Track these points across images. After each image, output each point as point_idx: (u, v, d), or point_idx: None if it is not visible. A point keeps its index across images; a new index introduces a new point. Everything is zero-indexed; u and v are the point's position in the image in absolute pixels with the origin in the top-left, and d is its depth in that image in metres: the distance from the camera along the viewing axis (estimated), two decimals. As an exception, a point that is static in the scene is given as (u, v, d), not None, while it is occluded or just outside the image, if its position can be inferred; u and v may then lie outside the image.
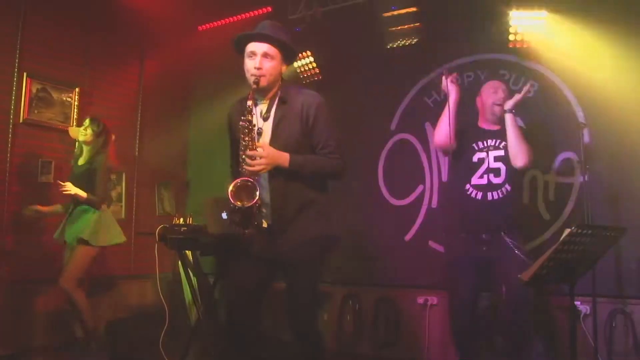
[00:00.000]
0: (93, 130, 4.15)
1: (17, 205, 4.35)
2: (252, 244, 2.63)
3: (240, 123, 2.51)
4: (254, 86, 2.54)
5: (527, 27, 4.03)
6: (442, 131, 3.38)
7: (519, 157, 3.25)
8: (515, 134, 3.28)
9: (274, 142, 2.57)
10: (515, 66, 4.26)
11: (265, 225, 2.59)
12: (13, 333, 4.33)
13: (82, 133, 4.16)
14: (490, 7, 4.22)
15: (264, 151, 2.48)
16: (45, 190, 4.52)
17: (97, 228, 4.05)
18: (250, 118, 2.52)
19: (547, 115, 4.09)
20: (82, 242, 4.00)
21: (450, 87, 3.39)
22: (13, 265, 4.38)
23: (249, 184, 2.46)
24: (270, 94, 2.64)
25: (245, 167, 2.48)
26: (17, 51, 4.50)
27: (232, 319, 2.69)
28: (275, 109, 2.62)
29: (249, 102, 2.53)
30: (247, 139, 2.50)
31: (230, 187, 2.46)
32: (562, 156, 4.03)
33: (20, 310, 4.40)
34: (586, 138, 3.68)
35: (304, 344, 2.67)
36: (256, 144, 2.51)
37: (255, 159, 2.46)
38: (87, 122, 4.18)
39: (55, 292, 4.23)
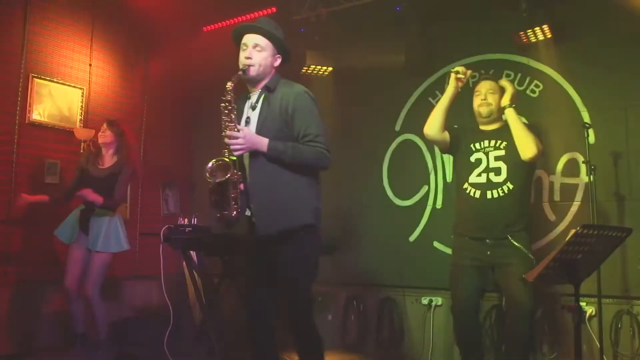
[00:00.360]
0: (113, 132, 4.17)
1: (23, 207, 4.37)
2: (241, 238, 2.66)
3: (221, 104, 2.55)
4: (240, 72, 2.59)
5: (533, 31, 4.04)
6: (430, 121, 3.47)
7: (528, 147, 3.23)
8: (519, 127, 3.29)
9: (257, 131, 2.61)
10: (520, 66, 4.25)
11: (247, 214, 2.59)
12: (17, 333, 4.35)
13: (101, 136, 4.18)
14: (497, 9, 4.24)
15: (242, 132, 2.51)
16: (52, 191, 4.53)
17: (117, 234, 4.12)
18: (229, 98, 2.55)
19: (551, 116, 4.08)
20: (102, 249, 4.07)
21: (450, 81, 3.45)
22: (18, 266, 4.39)
23: (224, 162, 2.51)
24: (261, 85, 2.69)
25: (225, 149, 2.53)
26: (23, 52, 4.52)
27: (252, 330, 2.70)
28: (262, 100, 2.66)
29: (229, 84, 2.55)
30: (226, 119, 2.55)
31: (209, 165, 2.52)
32: (567, 157, 4.02)
33: (25, 310, 4.41)
34: (591, 138, 3.66)
35: (299, 344, 2.66)
36: (236, 125, 2.54)
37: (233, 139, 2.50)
38: (104, 125, 4.21)
39: (60, 293, 4.24)
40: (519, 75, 4.24)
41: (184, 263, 4.49)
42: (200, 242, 3.90)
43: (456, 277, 3.42)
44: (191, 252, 4.32)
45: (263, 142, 2.53)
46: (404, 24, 4.61)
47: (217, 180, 2.49)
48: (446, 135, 3.48)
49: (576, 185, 3.97)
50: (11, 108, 4.45)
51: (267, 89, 2.67)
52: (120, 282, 5.15)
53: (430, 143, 4.53)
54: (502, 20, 4.22)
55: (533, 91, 4.19)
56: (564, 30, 4.03)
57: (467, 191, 3.39)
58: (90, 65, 5.03)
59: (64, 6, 4.83)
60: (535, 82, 4.19)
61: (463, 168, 3.47)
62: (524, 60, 4.23)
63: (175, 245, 3.88)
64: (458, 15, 4.50)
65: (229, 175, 2.48)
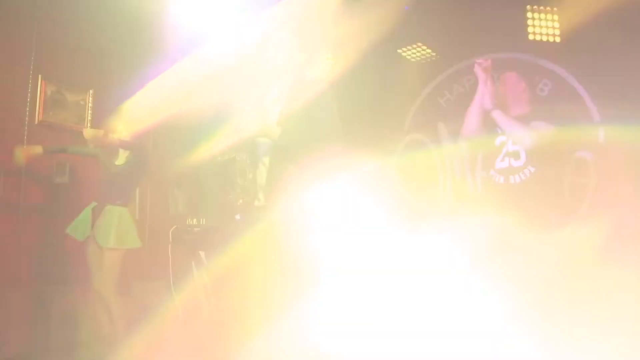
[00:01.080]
0: (116, 137, 4.17)
1: (33, 208, 4.40)
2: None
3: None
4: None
5: (541, 27, 4.02)
6: (468, 123, 3.40)
7: (523, 140, 3.16)
8: (508, 126, 3.21)
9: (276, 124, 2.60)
10: (528, 65, 4.22)
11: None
12: (30, 332, 4.37)
13: (107, 141, 4.17)
14: (505, 5, 4.22)
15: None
16: (61, 191, 4.55)
17: (123, 229, 4.10)
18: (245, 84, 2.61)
19: (561, 115, 4.05)
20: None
21: (479, 75, 3.38)
22: (30, 266, 4.42)
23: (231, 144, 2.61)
24: (282, 78, 2.71)
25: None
26: (32, 54, 4.55)
27: None
28: (283, 93, 2.69)
29: (240, 70, 2.61)
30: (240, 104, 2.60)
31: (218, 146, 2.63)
32: (576, 155, 3.99)
33: (38, 309, 4.44)
34: (601, 137, 3.63)
35: None
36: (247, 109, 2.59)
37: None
38: (106, 131, 4.19)
39: (73, 293, 4.27)
40: (528, 73, 4.22)
41: (193, 263, 4.50)
42: (208, 242, 3.90)
43: None
44: (200, 252, 4.33)
45: (273, 130, 2.53)
46: (412, 24, 4.59)
47: (221, 159, 2.52)
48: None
49: (586, 185, 3.94)
50: (20, 109, 4.48)
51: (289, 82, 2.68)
52: (128, 283, 5.16)
53: (440, 144, 4.54)
54: (511, 18, 4.19)
55: (542, 90, 4.17)
56: (573, 27, 4.00)
57: (493, 178, 3.32)
58: (99, 66, 5.05)
59: (73, 8, 4.84)
60: (544, 80, 4.16)
61: (489, 153, 3.39)
62: (532, 58, 4.21)
63: (184, 245, 3.88)
64: (467, 13, 4.48)
65: (232, 154, 2.51)
